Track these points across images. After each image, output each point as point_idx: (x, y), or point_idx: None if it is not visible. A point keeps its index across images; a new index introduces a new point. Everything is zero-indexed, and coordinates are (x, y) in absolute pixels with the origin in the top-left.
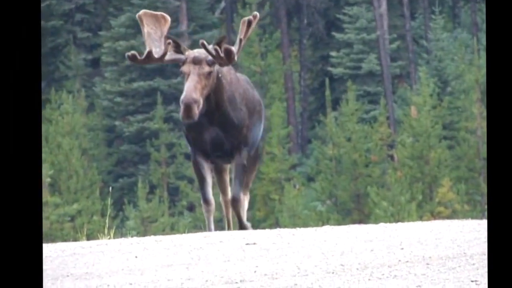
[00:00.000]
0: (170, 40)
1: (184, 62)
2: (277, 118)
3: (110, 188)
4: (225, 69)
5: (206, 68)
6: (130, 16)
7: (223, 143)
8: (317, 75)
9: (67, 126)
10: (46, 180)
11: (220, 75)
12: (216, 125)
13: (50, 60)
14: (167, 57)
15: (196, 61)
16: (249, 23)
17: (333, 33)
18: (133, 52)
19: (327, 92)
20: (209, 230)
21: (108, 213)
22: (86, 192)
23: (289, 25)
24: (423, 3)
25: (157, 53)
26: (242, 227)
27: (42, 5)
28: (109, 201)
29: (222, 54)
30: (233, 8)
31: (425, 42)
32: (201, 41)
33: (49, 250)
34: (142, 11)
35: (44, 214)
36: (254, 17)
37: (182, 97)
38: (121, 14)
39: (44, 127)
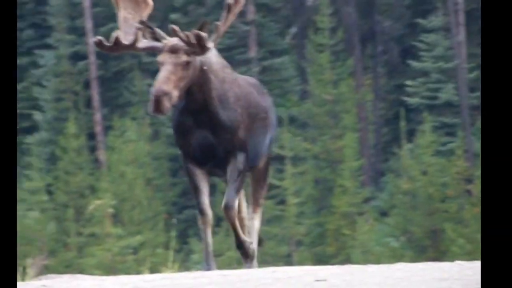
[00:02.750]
0: (142, 25)
1: (160, 51)
2: (349, 149)
3: (175, 220)
4: (219, 66)
5: (183, 58)
6: None
7: (213, 148)
8: (391, 104)
9: (130, 155)
10: (108, 210)
11: (205, 68)
12: (204, 127)
13: (114, 86)
14: (141, 45)
15: (173, 50)
16: (229, 8)
17: (409, 61)
18: (99, 37)
19: (402, 123)
20: (206, 244)
21: (172, 245)
22: (149, 224)
23: (362, 52)
24: None
25: (127, 39)
26: (240, 244)
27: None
28: (173, 233)
29: (193, 41)
30: (304, 33)
31: None
32: (172, 26)
33: (111, 283)
34: None
35: (107, 246)
36: (236, 1)
37: (152, 88)
38: None
39: (107, 155)
